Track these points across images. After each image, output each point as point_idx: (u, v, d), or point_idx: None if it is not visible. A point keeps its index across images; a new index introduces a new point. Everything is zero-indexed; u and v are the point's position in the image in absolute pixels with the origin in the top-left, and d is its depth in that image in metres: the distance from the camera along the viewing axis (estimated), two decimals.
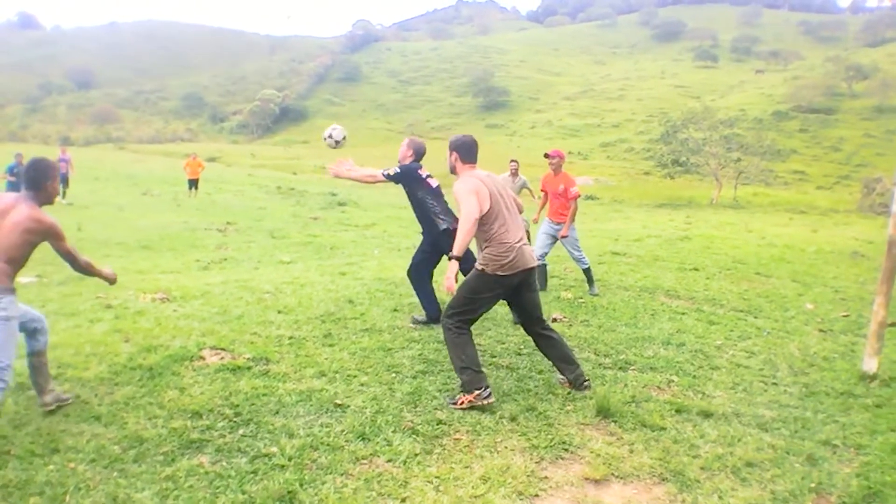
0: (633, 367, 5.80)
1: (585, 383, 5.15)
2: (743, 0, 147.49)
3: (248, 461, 3.81)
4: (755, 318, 8.18)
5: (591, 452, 4.13)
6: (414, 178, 6.61)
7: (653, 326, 7.21)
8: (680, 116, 42.19)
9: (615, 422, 4.57)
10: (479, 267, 4.85)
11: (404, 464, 3.86)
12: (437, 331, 6.40)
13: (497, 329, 6.65)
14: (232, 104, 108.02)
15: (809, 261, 13.69)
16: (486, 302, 4.99)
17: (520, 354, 5.92)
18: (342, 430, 4.20)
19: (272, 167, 47.95)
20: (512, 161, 11.16)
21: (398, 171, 6.50)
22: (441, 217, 6.53)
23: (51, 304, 7.24)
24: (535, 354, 5.87)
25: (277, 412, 4.42)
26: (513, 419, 4.52)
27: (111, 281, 4.75)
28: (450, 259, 4.83)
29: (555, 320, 7.10)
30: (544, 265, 8.94)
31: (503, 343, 6.22)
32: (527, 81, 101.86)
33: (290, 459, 3.82)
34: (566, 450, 4.16)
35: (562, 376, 5.26)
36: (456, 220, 5.83)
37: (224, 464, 3.78)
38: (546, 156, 9.01)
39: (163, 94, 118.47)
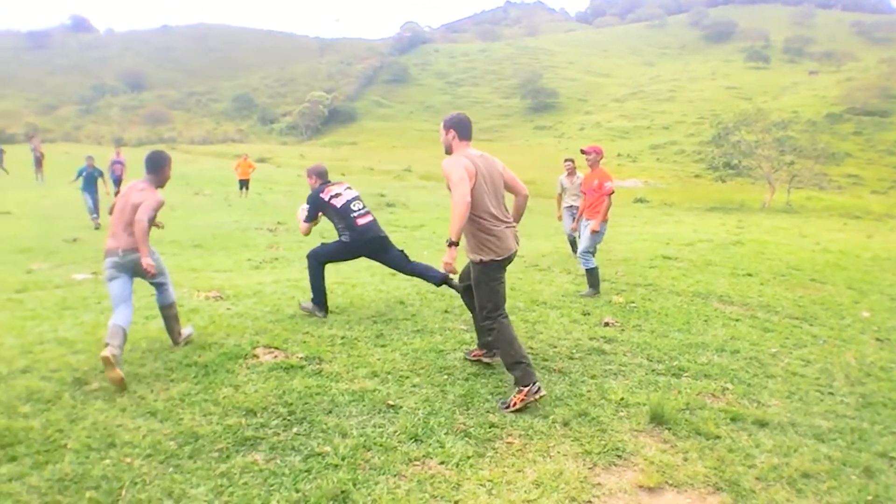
0: (686, 374, 5.70)
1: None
2: (795, 0, 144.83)
3: (301, 460, 3.83)
4: (810, 325, 8.00)
5: (645, 459, 4.06)
6: (320, 205, 6.92)
7: (706, 332, 7.09)
8: (732, 118, 41.44)
9: (669, 429, 4.50)
10: (476, 259, 5.01)
11: (457, 466, 3.84)
12: None
13: (548, 332, 6.60)
14: (282, 106, 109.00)
15: (865, 267, 13.35)
16: (502, 284, 5.13)
17: (572, 359, 5.86)
18: (395, 431, 4.20)
19: None
20: (567, 160, 11.07)
21: (308, 205, 7.01)
22: (344, 233, 6.89)
23: (106, 301, 7.37)
24: (588, 359, 5.83)
25: (330, 411, 4.44)
26: (565, 424, 4.47)
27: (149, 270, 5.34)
28: (448, 245, 4.87)
29: (606, 324, 7.03)
30: (594, 268, 8.84)
31: (555, 347, 6.16)
32: (575, 83, 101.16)
33: (343, 459, 3.83)
34: (619, 456, 4.10)
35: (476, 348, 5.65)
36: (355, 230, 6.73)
37: (278, 462, 3.80)
38: (582, 152, 8.93)
39: (214, 96, 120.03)
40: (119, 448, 3.87)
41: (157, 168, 5.60)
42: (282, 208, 21.15)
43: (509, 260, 5.12)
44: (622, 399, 4.94)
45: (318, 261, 6.92)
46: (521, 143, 73.08)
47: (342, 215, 6.84)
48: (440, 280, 6.87)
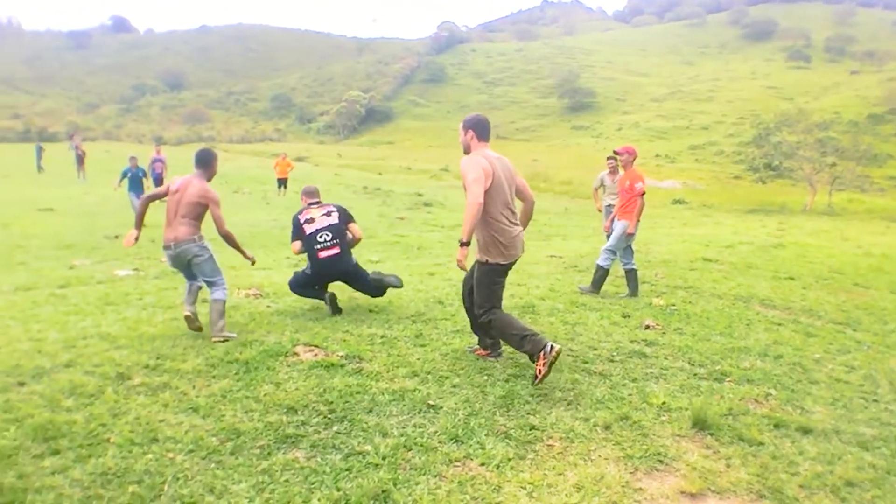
0: (729, 379, 5.60)
1: (499, 352, 5.65)
2: None
3: (342, 458, 3.83)
4: (854, 330, 7.85)
5: (687, 465, 4.00)
6: (295, 226, 7.12)
7: (748, 337, 6.98)
8: (772, 119, 40.89)
9: (712, 434, 4.43)
10: (483, 259, 5.20)
11: (497, 468, 3.81)
12: None
13: (588, 335, 6.54)
14: (319, 105, 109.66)
15: None
16: (502, 287, 5.39)
17: (612, 361, 5.79)
18: (435, 432, 4.18)
19: (358, 167, 48.50)
20: (610, 158, 10.97)
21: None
22: (308, 262, 7.05)
23: (148, 297, 7.48)
24: (628, 362, 5.77)
25: (371, 410, 4.43)
26: (606, 427, 4.42)
27: (251, 261, 6.51)
28: (460, 245, 5.01)
29: (647, 327, 6.96)
30: (634, 270, 8.77)
31: (595, 349, 6.10)
32: (613, 82, 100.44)
33: (383, 458, 3.82)
34: (661, 461, 4.04)
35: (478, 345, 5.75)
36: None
37: (319, 459, 3.80)
38: (615, 153, 8.92)
39: (252, 96, 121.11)
40: (161, 443, 3.89)
41: (207, 163, 6.24)
42: None
43: (512, 265, 5.35)
44: (664, 403, 4.88)
45: (296, 290, 7.12)
46: (558, 144, 72.76)
47: (307, 244, 6.95)
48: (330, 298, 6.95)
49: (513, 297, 7.93)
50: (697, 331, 7.04)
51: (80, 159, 31.01)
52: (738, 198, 38.02)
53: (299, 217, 7.05)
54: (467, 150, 5.31)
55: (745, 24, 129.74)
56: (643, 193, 8.61)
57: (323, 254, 6.82)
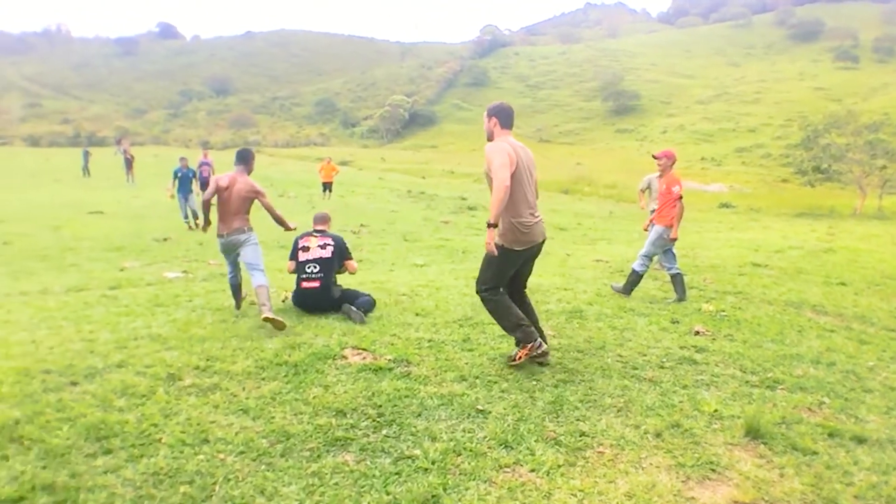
0: (781, 387, 5.49)
1: (545, 353, 5.51)
2: None
3: (391, 462, 3.82)
4: None
5: (740, 474, 3.92)
6: (293, 251, 7.34)
7: (800, 344, 6.84)
8: (821, 120, 40.08)
9: (765, 443, 4.34)
10: (498, 242, 5.22)
11: (547, 474, 3.77)
12: (577, 340, 6.31)
13: (637, 340, 6.47)
14: (363, 109, 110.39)
15: None
16: (510, 272, 5.45)
17: (662, 368, 5.71)
18: (484, 437, 4.15)
19: (402, 171, 48.68)
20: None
21: None
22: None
23: (197, 299, 7.56)
24: (679, 368, 5.69)
25: (419, 414, 4.43)
26: (657, 435, 4.35)
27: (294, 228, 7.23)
28: (488, 226, 5.08)
29: (697, 333, 6.85)
30: (679, 274, 8.67)
31: (645, 355, 6.02)
32: (658, 85, 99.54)
33: (433, 463, 3.80)
34: (713, 470, 3.97)
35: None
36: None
37: (368, 463, 3.80)
38: (654, 157, 8.83)
39: (296, 101, 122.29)
40: (212, 444, 3.92)
41: (247, 160, 7.07)
42: (364, 211, 21.36)
43: (532, 251, 5.42)
44: (716, 411, 4.79)
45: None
46: (601, 147, 72.33)
47: (297, 269, 7.20)
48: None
49: (560, 302, 7.88)
50: (748, 337, 6.92)
51: (129, 163, 31.56)
52: (786, 201, 37.36)
53: (299, 241, 7.30)
54: (490, 138, 5.41)
55: (791, 24, 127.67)
56: (681, 197, 8.51)
57: (305, 284, 7.04)
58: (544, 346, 5.32)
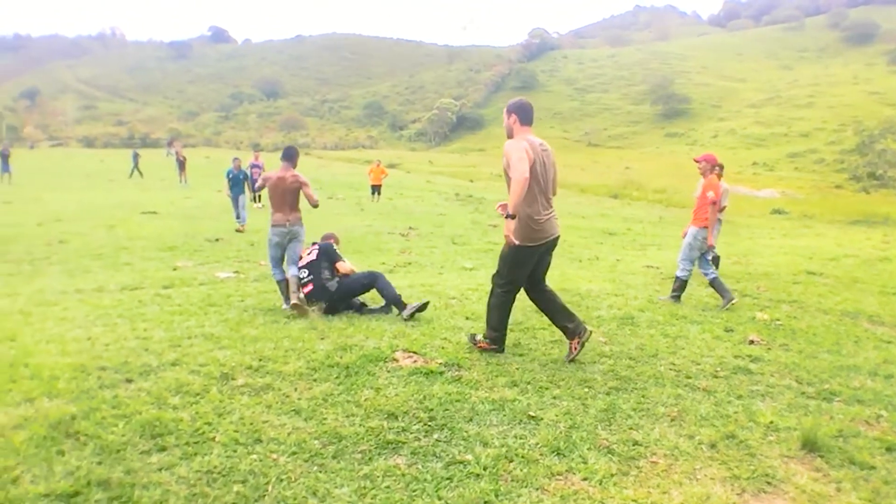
0: (838, 399, 5.34)
1: (586, 330, 5.72)
2: None
3: (443, 466, 3.79)
4: None
5: (796, 488, 3.82)
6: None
7: (857, 355, 6.65)
8: (876, 125, 39.35)
9: (821, 456, 4.22)
10: (511, 240, 5.32)
11: (600, 483, 3.71)
12: (629, 347, 6.23)
13: (690, 348, 6.36)
14: (411, 113, 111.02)
15: None
16: (527, 269, 5.57)
17: (716, 377, 5.60)
18: (536, 443, 4.10)
19: (449, 174, 48.78)
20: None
21: None
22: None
23: (248, 299, 7.63)
24: (733, 378, 5.58)
25: (471, 419, 4.39)
26: (712, 446, 4.26)
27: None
28: (506, 217, 5.21)
29: (751, 342, 6.72)
30: (715, 278, 8.65)
31: (698, 364, 5.92)
32: (708, 88, 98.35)
33: (485, 469, 3.77)
34: (769, 483, 3.87)
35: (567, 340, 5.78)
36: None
37: (419, 467, 3.78)
38: (695, 161, 8.85)
39: (345, 103, 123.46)
40: (265, 444, 3.93)
41: (292, 157, 7.94)
42: (413, 213, 21.43)
43: (546, 246, 5.54)
44: (771, 422, 4.68)
45: None
46: (651, 151, 71.62)
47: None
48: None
49: (611, 309, 7.81)
50: (804, 347, 6.76)
51: (182, 165, 32.09)
52: (840, 208, 36.57)
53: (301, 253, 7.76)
54: (510, 135, 5.49)
55: (844, 27, 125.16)
56: (714, 202, 8.55)
57: (303, 290, 7.30)
58: (498, 353, 5.68)
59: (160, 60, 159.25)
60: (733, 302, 8.37)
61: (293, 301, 7.01)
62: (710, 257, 8.86)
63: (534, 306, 7.53)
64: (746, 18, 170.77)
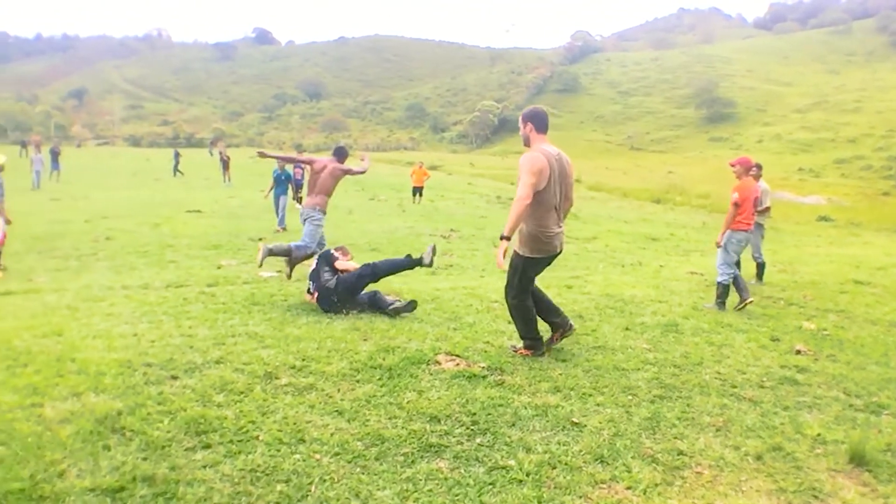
0: (887, 412, 5.20)
1: (571, 326, 6.07)
2: None
3: (485, 471, 3.77)
4: None
5: (843, 502, 3.75)
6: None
7: None
8: None
9: (869, 471, 4.12)
10: (521, 252, 5.54)
11: (644, 493, 3.66)
12: (673, 355, 6.15)
13: (736, 357, 6.26)
14: (452, 115, 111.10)
15: None
16: (534, 278, 5.81)
17: (762, 387, 5.50)
18: (580, 451, 4.07)
19: (490, 176, 48.71)
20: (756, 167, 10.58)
21: None
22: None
23: (291, 299, 7.67)
24: (779, 389, 5.47)
25: (514, 424, 4.37)
26: (758, 458, 4.18)
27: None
28: (500, 239, 5.31)
29: (798, 352, 6.59)
30: (723, 283, 8.63)
31: (744, 373, 5.81)
32: (754, 92, 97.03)
33: (527, 475, 3.74)
34: (816, 497, 3.79)
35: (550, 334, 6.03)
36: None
37: (462, 471, 3.76)
38: (731, 165, 8.93)
39: (387, 105, 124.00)
40: (308, 444, 3.95)
41: (344, 156, 9.38)
42: (454, 215, 21.42)
43: (550, 259, 5.71)
44: (818, 435, 4.58)
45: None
46: (694, 155, 70.84)
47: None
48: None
49: (655, 315, 7.71)
50: (852, 358, 6.60)
51: (226, 164, 32.44)
52: (888, 216, 35.79)
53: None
54: (527, 143, 5.56)
55: (893, 30, 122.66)
56: (735, 203, 8.65)
57: (312, 299, 7.40)
58: (545, 354, 5.81)
59: (205, 61, 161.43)
60: (748, 301, 8.40)
61: (262, 252, 8.38)
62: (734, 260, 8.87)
63: (575, 311, 7.54)
64: (793, 21, 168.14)
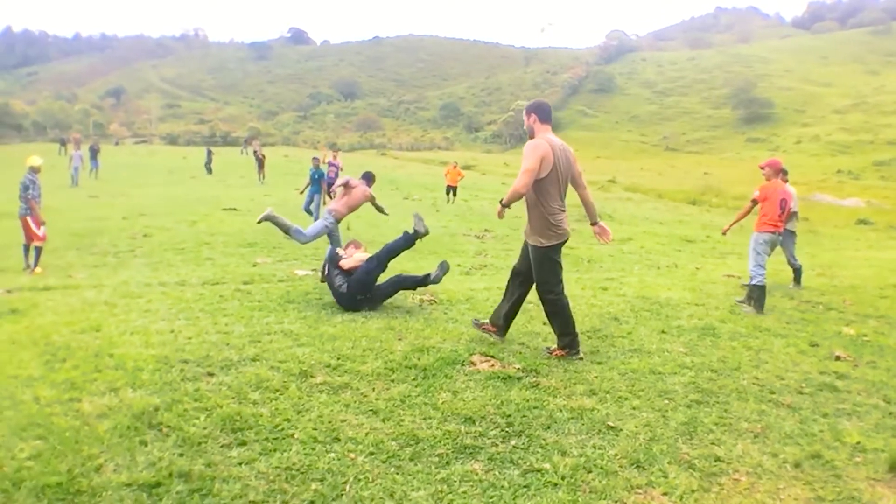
0: None
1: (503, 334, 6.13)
2: None
3: (520, 474, 3.75)
4: None
5: None
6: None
7: None
8: None
9: None
10: (539, 244, 5.64)
11: (680, 499, 3.62)
12: (710, 359, 6.06)
13: (774, 362, 6.16)
14: (487, 114, 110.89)
15: None
16: (559, 266, 5.81)
17: (801, 393, 5.40)
18: (615, 455, 4.02)
19: None
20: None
21: None
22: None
23: (326, 297, 7.68)
24: (818, 395, 5.36)
25: (549, 427, 4.34)
26: (796, 465, 4.11)
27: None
28: (500, 204, 5.74)
29: (837, 358, 6.46)
30: (755, 285, 8.55)
31: (783, 379, 5.71)
32: (792, 93, 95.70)
33: (563, 478, 3.71)
34: None
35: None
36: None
37: (496, 473, 3.75)
38: (760, 167, 9.03)
39: (421, 105, 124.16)
40: (343, 443, 3.96)
41: (370, 179, 10.37)
42: (488, 215, 21.36)
43: (563, 243, 5.80)
44: (858, 443, 4.48)
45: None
46: (731, 156, 70.08)
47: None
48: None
49: (691, 318, 7.63)
50: (892, 365, 6.45)
51: (261, 163, 32.68)
52: None
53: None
54: (532, 134, 5.73)
55: None
56: (753, 200, 9.05)
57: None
58: (581, 356, 5.79)
59: (241, 61, 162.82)
60: (751, 313, 8.31)
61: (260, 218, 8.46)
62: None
63: (610, 313, 7.48)
64: (831, 21, 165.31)
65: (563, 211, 5.72)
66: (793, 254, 10.54)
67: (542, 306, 5.98)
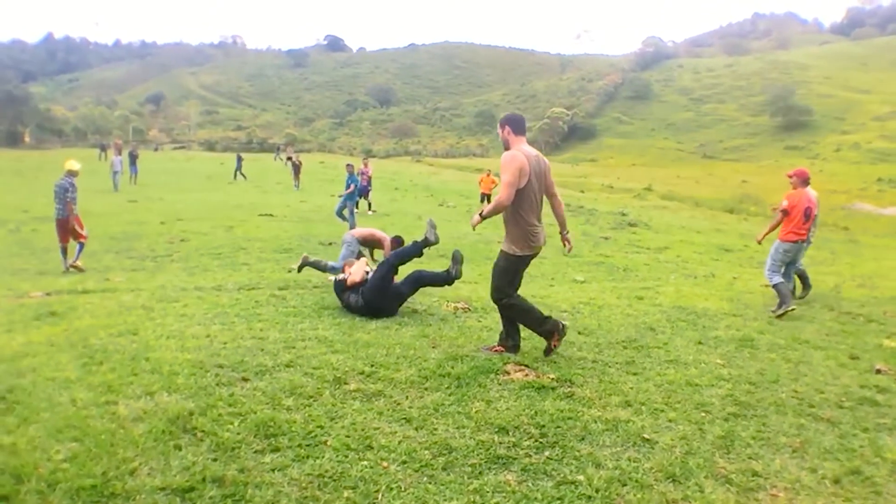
0: None
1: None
2: None
3: (553, 486, 3.71)
4: None
5: None
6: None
7: None
8: None
9: None
10: (510, 251, 5.78)
11: None
12: (748, 371, 5.97)
13: (813, 375, 6.04)
14: None
15: None
16: (520, 277, 6.02)
17: (841, 407, 5.28)
18: (651, 468, 3.96)
19: (559, 184, 47.61)
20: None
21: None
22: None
23: None
24: (859, 409, 5.24)
25: (583, 438, 4.29)
26: (836, 481, 4.01)
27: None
28: (479, 215, 5.93)
29: (878, 371, 6.32)
30: (777, 283, 8.66)
31: (822, 392, 5.59)
32: (831, 99, 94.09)
33: (597, 491, 3.66)
34: None
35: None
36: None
37: (530, 484, 3.71)
38: (788, 176, 9.28)
39: (456, 112, 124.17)
40: (376, 451, 3.94)
41: (401, 244, 9.92)
42: None
43: (535, 255, 6.00)
44: None
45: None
46: (769, 164, 69.05)
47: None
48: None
49: (729, 329, 7.53)
50: None
51: (297, 169, 32.92)
52: None
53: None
54: (507, 146, 5.83)
55: None
56: (783, 210, 9.06)
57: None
58: (566, 324, 6.12)
59: (278, 68, 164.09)
60: (780, 312, 8.35)
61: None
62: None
63: (646, 322, 7.40)
64: (871, 27, 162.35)
65: (540, 222, 5.86)
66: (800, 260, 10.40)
67: (500, 317, 6.16)
